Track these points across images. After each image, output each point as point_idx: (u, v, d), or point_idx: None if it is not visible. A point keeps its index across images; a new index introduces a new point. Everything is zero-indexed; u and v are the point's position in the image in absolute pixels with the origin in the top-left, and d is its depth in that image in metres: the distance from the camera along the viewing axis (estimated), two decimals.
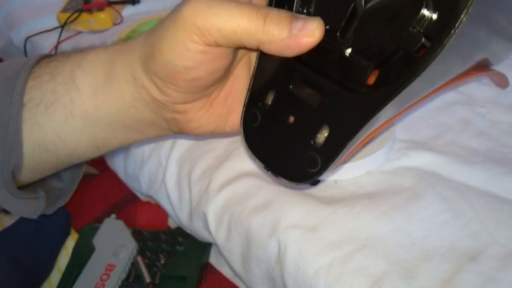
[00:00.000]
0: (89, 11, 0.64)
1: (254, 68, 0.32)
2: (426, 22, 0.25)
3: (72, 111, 0.32)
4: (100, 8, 0.65)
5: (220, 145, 0.43)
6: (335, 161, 0.28)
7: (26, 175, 0.33)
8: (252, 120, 0.31)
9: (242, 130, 0.32)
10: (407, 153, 0.39)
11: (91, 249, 0.44)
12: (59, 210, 0.48)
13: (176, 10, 0.28)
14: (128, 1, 0.70)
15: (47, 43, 0.64)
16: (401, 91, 0.25)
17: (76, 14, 0.64)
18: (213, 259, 0.45)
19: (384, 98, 0.26)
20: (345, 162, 0.37)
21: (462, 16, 0.23)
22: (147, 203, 0.50)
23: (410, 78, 0.25)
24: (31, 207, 0.34)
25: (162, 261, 0.44)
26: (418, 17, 0.25)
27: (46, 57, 0.34)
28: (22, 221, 0.47)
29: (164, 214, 0.48)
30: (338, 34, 0.29)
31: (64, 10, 0.66)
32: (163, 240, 0.45)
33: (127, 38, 0.59)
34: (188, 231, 0.44)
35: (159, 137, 0.38)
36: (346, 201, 0.36)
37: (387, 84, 0.26)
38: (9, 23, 0.74)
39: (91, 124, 0.33)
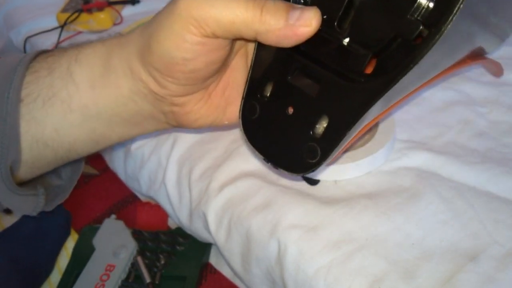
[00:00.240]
0: (89, 11, 0.64)
1: (252, 59, 0.32)
2: (424, 9, 0.25)
3: (70, 106, 0.32)
4: (100, 8, 0.65)
5: (220, 145, 0.43)
6: (335, 151, 0.28)
7: (24, 171, 0.33)
8: (251, 112, 0.31)
9: (241, 122, 0.32)
10: (407, 153, 0.39)
11: (91, 250, 0.44)
12: (59, 210, 0.48)
13: (172, 2, 0.28)
14: (128, 1, 0.70)
15: (47, 43, 0.64)
16: (399, 79, 0.25)
17: (76, 14, 0.64)
18: (213, 259, 0.45)
19: (382, 87, 0.26)
20: (340, 156, 0.37)
21: (460, 3, 0.23)
22: (147, 203, 0.50)
23: (409, 65, 0.25)
24: (30, 204, 0.34)
25: (162, 261, 0.44)
26: (415, 5, 0.25)
27: (44, 52, 0.34)
28: (22, 221, 0.47)
29: (164, 215, 0.48)
30: (335, 23, 0.29)
31: (64, 10, 0.66)
32: (163, 241, 0.45)
33: None
34: (188, 231, 0.44)
35: (158, 131, 0.38)
36: (346, 201, 0.36)
37: (386, 73, 0.26)
38: (9, 23, 0.74)
39: (89, 118, 0.33)
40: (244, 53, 0.34)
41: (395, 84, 0.25)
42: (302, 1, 0.30)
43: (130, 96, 0.32)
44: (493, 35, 0.33)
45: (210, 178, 0.40)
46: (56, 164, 0.35)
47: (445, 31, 0.24)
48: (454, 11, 0.23)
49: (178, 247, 0.45)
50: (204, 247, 0.44)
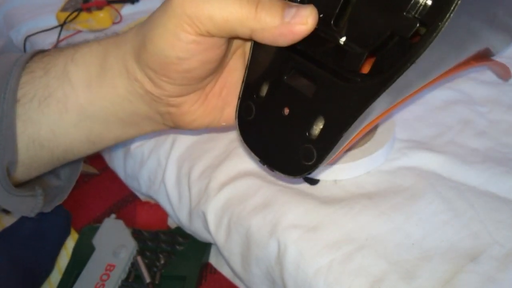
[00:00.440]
0: (88, 10, 0.64)
1: (248, 59, 0.31)
2: (421, 7, 0.25)
3: (66, 106, 0.32)
4: (99, 7, 0.65)
5: (220, 144, 0.43)
6: (331, 153, 0.27)
7: (21, 172, 0.33)
8: (247, 113, 0.31)
9: (237, 123, 0.32)
10: (406, 153, 0.39)
11: (91, 249, 0.44)
12: (59, 210, 0.48)
13: (167, 0, 0.28)
14: (127, 0, 0.69)
15: (46, 42, 0.64)
16: (396, 79, 0.25)
17: (76, 13, 0.64)
18: (213, 259, 0.45)
19: (379, 86, 0.25)
20: (341, 156, 0.36)
21: (457, 0, 0.23)
22: (147, 203, 0.50)
23: (405, 64, 0.24)
24: (28, 205, 0.34)
25: (162, 261, 0.44)
26: (412, 2, 0.25)
27: (40, 52, 0.34)
28: (22, 221, 0.47)
29: (163, 214, 0.48)
30: (332, 22, 0.28)
31: (64, 9, 0.66)
32: (163, 240, 0.45)
33: None
34: (188, 231, 0.44)
35: (155, 132, 0.37)
36: (346, 201, 0.36)
37: (382, 72, 0.26)
38: (9, 22, 0.73)
39: (85, 118, 0.32)
40: (241, 54, 0.34)
41: (392, 83, 0.25)
42: None
43: (126, 96, 0.32)
44: (499, 35, 0.32)
45: (209, 178, 0.40)
46: (53, 165, 0.35)
47: (443, 29, 0.23)
48: (452, 8, 0.23)
49: (178, 247, 0.45)
50: (204, 247, 0.44)
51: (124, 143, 0.48)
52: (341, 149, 0.28)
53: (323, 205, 0.35)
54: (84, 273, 0.43)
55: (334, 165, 0.37)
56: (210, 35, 0.27)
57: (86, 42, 0.33)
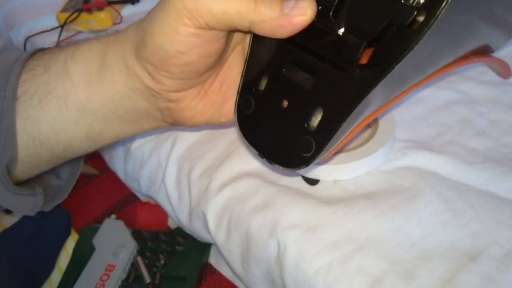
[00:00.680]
0: (89, 10, 0.64)
1: (247, 53, 0.31)
2: None
3: (66, 103, 0.32)
4: (100, 8, 0.65)
5: (220, 145, 0.43)
6: (329, 144, 0.27)
7: (21, 171, 0.33)
8: (246, 107, 0.31)
9: (236, 117, 0.32)
10: (406, 153, 0.39)
11: (91, 249, 0.44)
12: (59, 210, 0.48)
13: None
14: (128, 0, 0.70)
15: (47, 43, 0.64)
16: (394, 67, 0.25)
17: (76, 14, 0.64)
18: (213, 259, 0.45)
19: (377, 76, 0.26)
20: (340, 151, 0.36)
21: None
22: (147, 203, 0.50)
23: (403, 53, 0.25)
24: (28, 204, 0.34)
25: (162, 261, 0.44)
26: None
27: (40, 50, 0.34)
28: (23, 221, 0.47)
29: (164, 214, 0.48)
30: (330, 13, 0.28)
31: (64, 9, 0.66)
32: (163, 240, 0.45)
33: None
34: (188, 231, 0.44)
35: (155, 130, 0.37)
36: (346, 201, 0.36)
37: (380, 62, 0.26)
38: (9, 23, 0.74)
39: (85, 115, 0.32)
40: (241, 50, 0.34)
41: (389, 72, 0.25)
42: None
43: (125, 93, 0.32)
44: (498, 29, 0.32)
45: (209, 178, 0.40)
46: (53, 163, 0.35)
47: (440, 16, 0.23)
48: None
49: (178, 247, 0.45)
50: (204, 247, 0.44)
51: (124, 143, 0.48)
52: (340, 141, 0.28)
53: (323, 205, 0.35)
54: (84, 273, 0.43)
55: (334, 165, 0.37)
56: (209, 28, 0.28)
57: (86, 39, 0.33)
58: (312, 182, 0.38)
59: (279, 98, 0.29)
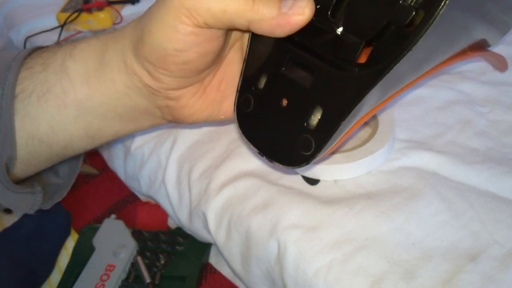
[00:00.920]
0: (89, 10, 0.64)
1: (245, 52, 0.31)
2: None
3: (65, 101, 0.32)
4: (100, 8, 0.65)
5: (220, 145, 0.43)
6: (329, 143, 0.28)
7: (20, 169, 0.33)
8: (245, 106, 0.31)
9: (235, 115, 0.32)
10: (407, 153, 0.39)
11: (91, 249, 0.44)
12: (59, 210, 0.48)
13: None
14: (128, 0, 0.70)
15: (47, 43, 0.64)
16: (392, 67, 0.25)
17: (76, 14, 0.64)
18: (213, 259, 0.45)
19: (376, 76, 0.26)
20: (338, 147, 0.36)
21: None
22: (147, 203, 0.50)
23: (402, 52, 0.25)
24: (27, 202, 0.34)
25: (162, 261, 0.44)
26: None
27: (39, 48, 0.34)
28: (22, 221, 0.47)
29: (164, 214, 0.48)
30: (329, 12, 0.28)
31: (64, 10, 0.66)
32: (163, 240, 0.45)
33: None
34: (188, 231, 0.44)
35: (155, 128, 0.37)
36: (346, 201, 0.36)
37: (379, 61, 0.26)
38: (9, 23, 0.74)
39: (84, 113, 0.32)
40: (239, 47, 0.34)
41: (388, 72, 0.25)
42: None
43: (124, 91, 0.32)
44: (493, 26, 0.33)
45: (209, 178, 0.40)
46: (52, 161, 0.35)
47: (438, 16, 0.24)
48: None
49: (178, 247, 0.45)
50: (204, 247, 0.44)
51: (124, 142, 0.48)
52: (338, 139, 0.28)
53: (323, 205, 0.35)
54: (84, 273, 0.43)
55: (334, 165, 0.37)
56: (208, 26, 0.28)
57: (85, 38, 0.33)
58: (312, 182, 0.38)
59: (278, 97, 0.29)
